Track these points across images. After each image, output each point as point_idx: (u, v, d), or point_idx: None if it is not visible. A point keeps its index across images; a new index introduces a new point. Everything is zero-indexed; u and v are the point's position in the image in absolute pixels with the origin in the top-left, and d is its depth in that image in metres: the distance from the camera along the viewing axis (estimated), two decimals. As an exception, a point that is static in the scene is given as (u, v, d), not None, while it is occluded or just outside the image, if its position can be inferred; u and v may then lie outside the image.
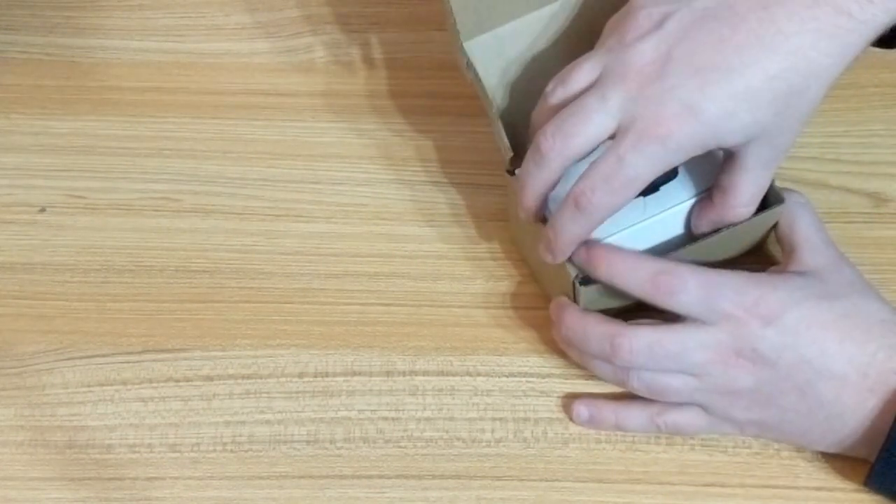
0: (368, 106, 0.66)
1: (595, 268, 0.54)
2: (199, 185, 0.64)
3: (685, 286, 0.52)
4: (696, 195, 0.56)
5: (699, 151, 0.50)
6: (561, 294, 0.57)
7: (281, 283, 0.62)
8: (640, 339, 0.53)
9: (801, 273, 0.54)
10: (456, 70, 0.67)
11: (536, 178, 0.52)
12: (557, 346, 0.59)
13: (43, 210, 0.64)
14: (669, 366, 0.53)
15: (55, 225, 0.63)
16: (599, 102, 0.50)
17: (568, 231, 0.52)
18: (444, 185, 0.64)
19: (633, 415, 0.56)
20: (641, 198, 0.54)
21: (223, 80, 0.67)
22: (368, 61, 0.67)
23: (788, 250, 0.56)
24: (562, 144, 0.51)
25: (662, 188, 0.55)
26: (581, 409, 0.57)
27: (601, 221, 0.52)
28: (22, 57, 0.68)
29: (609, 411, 0.57)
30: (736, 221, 0.55)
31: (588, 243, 0.54)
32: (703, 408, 0.54)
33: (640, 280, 0.53)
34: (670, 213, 0.56)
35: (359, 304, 0.61)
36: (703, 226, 0.56)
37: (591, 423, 0.57)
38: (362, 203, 0.64)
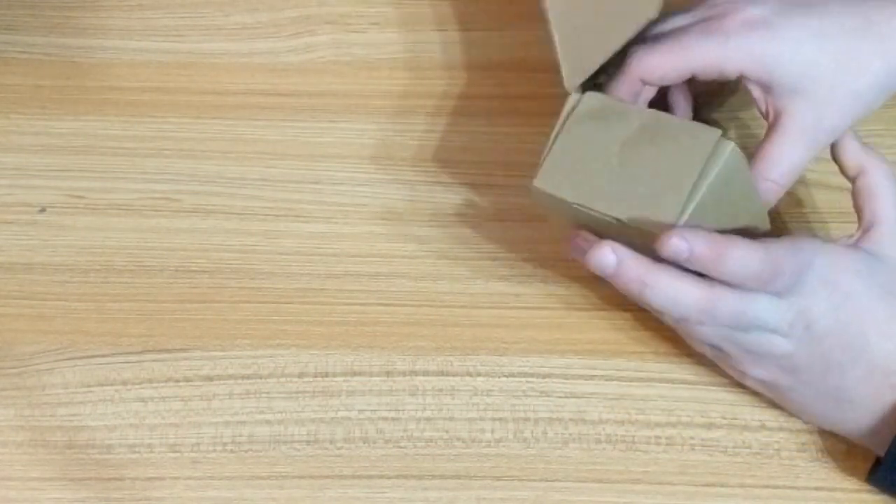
0: (368, 106, 0.66)
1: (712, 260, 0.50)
2: (198, 185, 0.64)
3: (783, 272, 0.50)
4: None
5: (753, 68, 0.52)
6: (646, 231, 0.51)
7: (281, 283, 0.62)
8: (729, 304, 0.50)
9: (873, 253, 0.53)
10: (456, 70, 0.67)
11: None
12: (557, 346, 0.59)
13: (43, 210, 0.64)
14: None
15: (55, 225, 0.63)
16: None
17: None
18: (444, 185, 0.64)
19: (663, 286, 0.50)
20: None
21: (223, 80, 0.67)
22: (369, 61, 0.67)
23: (866, 224, 0.54)
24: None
25: None
26: (608, 254, 0.50)
27: None
28: (22, 57, 0.68)
29: (637, 268, 0.50)
30: (767, 198, 0.54)
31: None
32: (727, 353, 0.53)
33: (752, 272, 0.50)
34: None
35: (359, 304, 0.61)
36: None
37: (616, 276, 0.51)
38: (362, 203, 0.64)
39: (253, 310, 0.61)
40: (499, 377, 0.59)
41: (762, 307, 0.51)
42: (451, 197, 0.63)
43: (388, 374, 0.59)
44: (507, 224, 0.62)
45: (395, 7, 0.69)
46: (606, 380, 0.58)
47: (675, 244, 0.49)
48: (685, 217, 0.50)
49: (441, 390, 0.59)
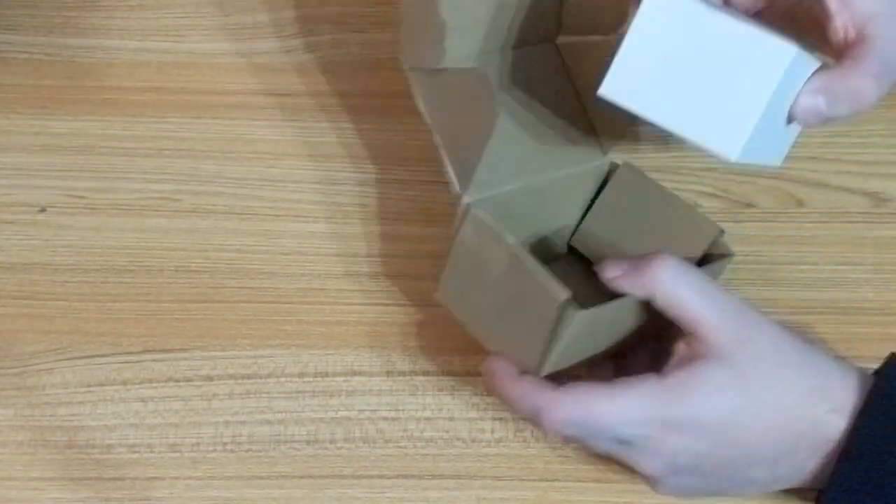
0: (368, 106, 0.66)
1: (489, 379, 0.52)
2: (198, 185, 0.64)
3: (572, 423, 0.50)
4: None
5: None
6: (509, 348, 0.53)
7: (281, 283, 0.62)
8: (564, 412, 0.49)
9: (706, 363, 0.49)
10: (456, 70, 0.67)
11: None
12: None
13: (43, 210, 0.64)
14: (591, 435, 0.50)
15: (55, 225, 0.63)
16: None
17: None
18: (443, 185, 0.64)
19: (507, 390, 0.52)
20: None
21: (223, 80, 0.67)
22: (368, 61, 0.67)
23: (684, 330, 0.50)
24: None
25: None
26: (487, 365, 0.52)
27: None
28: (22, 57, 0.68)
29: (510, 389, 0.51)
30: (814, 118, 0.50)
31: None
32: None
33: (521, 409, 0.51)
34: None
35: (359, 304, 0.61)
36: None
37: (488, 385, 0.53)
38: (362, 203, 0.64)
39: (253, 310, 0.61)
40: (499, 377, 0.59)
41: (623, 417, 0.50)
42: (451, 197, 0.63)
43: (388, 374, 0.59)
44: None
45: (395, 7, 0.69)
46: (606, 380, 0.58)
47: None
48: (543, 372, 0.51)
49: (441, 390, 0.59)
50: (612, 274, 0.51)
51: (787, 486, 0.52)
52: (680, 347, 0.50)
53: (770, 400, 0.49)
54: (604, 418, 0.49)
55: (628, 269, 0.50)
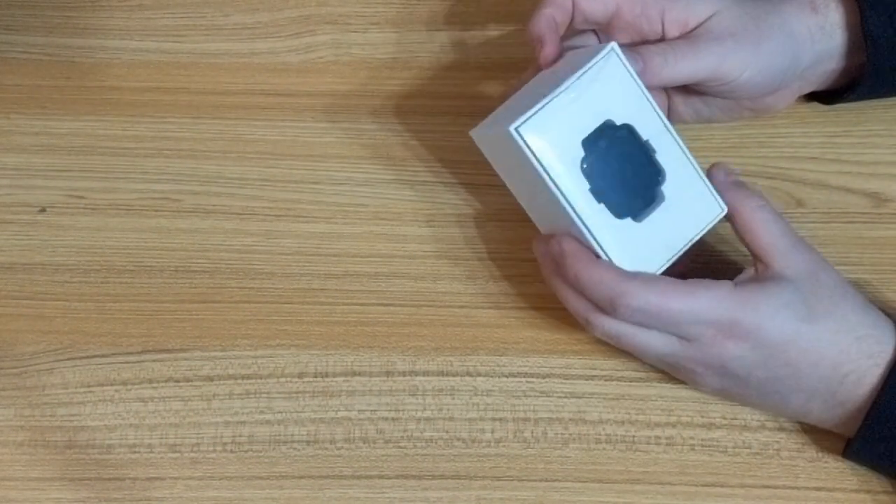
0: (368, 106, 0.66)
1: (566, 264, 0.54)
2: (199, 185, 0.64)
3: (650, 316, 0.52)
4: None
5: None
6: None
7: (281, 283, 0.62)
8: (642, 300, 0.52)
9: (777, 283, 0.53)
10: (456, 70, 0.67)
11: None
12: (557, 346, 0.59)
13: (43, 210, 0.64)
14: (663, 329, 0.53)
15: (55, 225, 0.63)
16: None
17: None
18: (444, 185, 0.64)
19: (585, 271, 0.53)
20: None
21: (223, 80, 0.67)
22: (368, 61, 0.67)
23: (757, 259, 0.54)
24: None
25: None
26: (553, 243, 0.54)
27: None
28: (22, 57, 0.68)
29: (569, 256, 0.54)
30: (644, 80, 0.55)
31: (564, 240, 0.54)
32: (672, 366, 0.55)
33: (594, 292, 0.53)
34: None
35: (359, 304, 0.61)
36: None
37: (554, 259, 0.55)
38: (362, 203, 0.64)
39: (253, 310, 0.61)
40: (499, 377, 0.59)
41: (656, 341, 0.53)
42: (451, 197, 0.63)
43: (388, 374, 0.59)
44: (507, 224, 0.62)
45: (395, 7, 0.69)
46: (606, 380, 0.58)
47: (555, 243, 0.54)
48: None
49: (441, 390, 0.59)
50: (721, 178, 0.55)
51: (812, 421, 0.55)
52: (750, 271, 0.54)
53: (828, 333, 0.52)
54: (678, 312, 0.51)
55: (734, 183, 0.56)
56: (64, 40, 0.69)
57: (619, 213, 0.53)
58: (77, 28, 0.69)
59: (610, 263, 0.53)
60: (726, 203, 0.55)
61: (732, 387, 0.54)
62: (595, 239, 0.53)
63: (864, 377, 0.52)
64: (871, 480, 0.55)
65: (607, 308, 0.52)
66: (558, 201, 0.53)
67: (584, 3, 0.57)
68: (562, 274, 0.54)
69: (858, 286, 0.59)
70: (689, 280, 0.52)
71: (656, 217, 0.54)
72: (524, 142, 0.52)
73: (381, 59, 0.67)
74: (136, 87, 0.67)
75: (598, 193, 0.53)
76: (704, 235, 0.55)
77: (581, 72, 0.53)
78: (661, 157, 0.54)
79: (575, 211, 0.53)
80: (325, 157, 0.65)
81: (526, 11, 0.67)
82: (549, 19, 0.56)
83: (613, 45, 0.54)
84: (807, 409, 0.54)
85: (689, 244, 0.55)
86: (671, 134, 0.54)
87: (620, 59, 0.54)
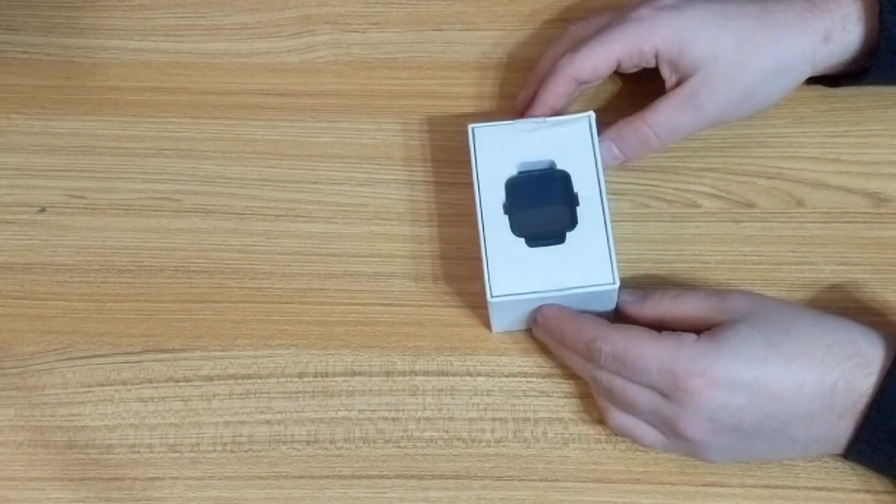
0: (368, 106, 0.66)
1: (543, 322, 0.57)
2: (199, 185, 0.64)
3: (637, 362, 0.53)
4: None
5: (664, 44, 0.58)
6: None
7: (281, 283, 0.62)
8: (611, 345, 0.53)
9: (731, 327, 0.53)
10: (456, 70, 0.67)
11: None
12: (557, 346, 0.59)
13: (43, 210, 0.64)
14: (641, 379, 0.53)
15: (55, 225, 0.63)
16: None
17: None
18: (443, 185, 0.64)
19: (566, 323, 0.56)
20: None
21: (223, 80, 0.67)
22: (368, 61, 0.67)
23: (703, 329, 0.54)
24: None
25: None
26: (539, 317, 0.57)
27: None
28: (22, 57, 0.68)
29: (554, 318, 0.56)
30: (646, 146, 0.59)
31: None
32: (662, 427, 0.54)
33: (577, 343, 0.55)
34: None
35: (359, 304, 0.61)
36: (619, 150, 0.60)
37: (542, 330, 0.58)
38: (362, 203, 0.64)
39: (253, 310, 0.61)
40: (499, 377, 0.59)
41: (638, 394, 0.54)
42: (451, 197, 0.63)
43: (388, 374, 0.59)
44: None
45: (395, 7, 0.69)
46: (606, 380, 0.58)
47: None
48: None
49: (441, 390, 0.59)
50: (627, 299, 0.57)
51: (826, 449, 0.54)
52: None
53: (797, 352, 0.52)
54: (646, 357, 0.52)
55: (639, 299, 0.57)
56: (64, 40, 0.69)
57: (517, 231, 0.56)
58: (77, 28, 0.69)
59: (589, 315, 0.55)
60: (645, 316, 0.56)
61: (734, 443, 0.53)
62: (484, 236, 0.56)
63: (853, 381, 0.51)
64: (872, 480, 0.55)
65: (588, 355, 0.54)
66: (475, 196, 0.57)
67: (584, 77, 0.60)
68: (557, 338, 0.56)
69: (858, 286, 0.60)
70: (660, 332, 0.53)
71: (547, 252, 0.56)
72: (473, 138, 0.58)
73: (381, 59, 0.67)
74: (136, 87, 0.67)
75: (508, 207, 0.57)
76: (592, 299, 0.56)
77: (555, 119, 0.59)
78: (582, 212, 0.56)
79: (481, 209, 0.57)
80: (325, 157, 0.65)
81: (526, 11, 0.67)
82: (565, 86, 0.60)
83: (590, 114, 0.58)
84: (815, 437, 0.53)
85: (564, 293, 0.55)
86: (602, 202, 0.57)
87: (591, 129, 0.58)
